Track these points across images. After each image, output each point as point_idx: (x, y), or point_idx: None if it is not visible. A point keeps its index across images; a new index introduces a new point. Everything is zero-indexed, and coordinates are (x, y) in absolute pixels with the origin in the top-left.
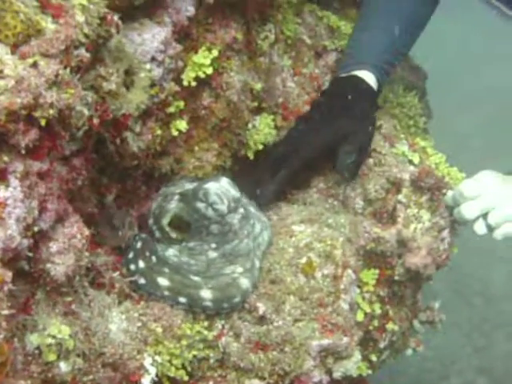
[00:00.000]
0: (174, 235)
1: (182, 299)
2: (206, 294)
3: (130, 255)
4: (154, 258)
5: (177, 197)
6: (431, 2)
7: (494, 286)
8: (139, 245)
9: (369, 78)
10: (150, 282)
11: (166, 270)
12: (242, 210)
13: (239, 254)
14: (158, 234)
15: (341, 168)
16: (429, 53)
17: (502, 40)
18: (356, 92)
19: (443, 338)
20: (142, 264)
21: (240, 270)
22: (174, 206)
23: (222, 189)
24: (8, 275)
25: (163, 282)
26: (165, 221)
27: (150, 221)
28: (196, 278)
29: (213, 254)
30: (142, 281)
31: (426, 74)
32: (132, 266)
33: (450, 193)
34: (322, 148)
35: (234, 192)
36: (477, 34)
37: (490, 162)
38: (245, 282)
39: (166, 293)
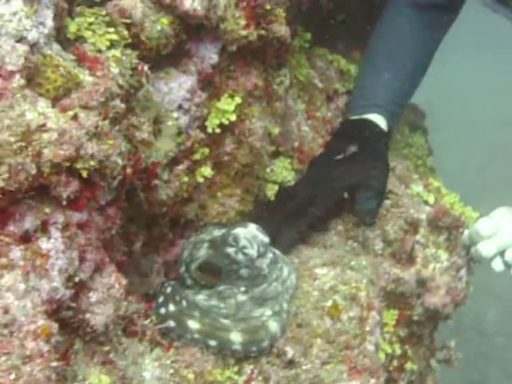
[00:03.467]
0: (203, 281)
1: (212, 342)
2: (236, 336)
3: (160, 300)
4: (184, 302)
5: (206, 244)
6: (434, 43)
7: (489, 322)
8: (169, 290)
9: (380, 120)
10: (180, 325)
11: (197, 313)
12: (270, 255)
13: (268, 297)
14: (188, 282)
15: (362, 214)
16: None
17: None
18: (369, 136)
19: (439, 374)
20: (172, 308)
21: (269, 313)
22: (203, 252)
23: (250, 234)
24: (54, 327)
25: (193, 325)
26: (194, 266)
27: (182, 269)
28: (225, 321)
29: (242, 298)
30: (171, 324)
31: (424, 113)
32: (162, 310)
33: (466, 232)
34: (340, 194)
35: (263, 237)
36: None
37: (486, 197)
38: (274, 326)
39: (196, 336)
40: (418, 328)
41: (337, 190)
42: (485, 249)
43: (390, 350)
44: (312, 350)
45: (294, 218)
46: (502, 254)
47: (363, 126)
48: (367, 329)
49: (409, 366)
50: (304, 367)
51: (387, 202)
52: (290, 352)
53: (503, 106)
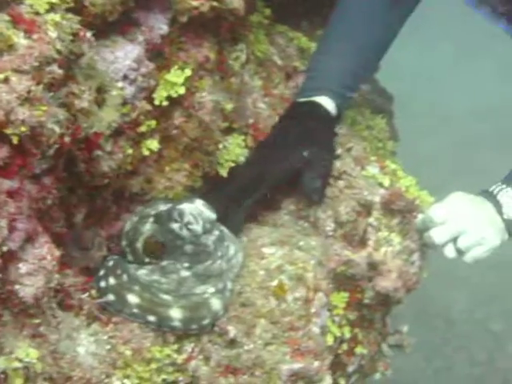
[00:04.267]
0: (147, 257)
1: (151, 318)
2: (176, 313)
3: (101, 273)
4: (125, 276)
5: (151, 219)
6: (395, 27)
7: (455, 309)
8: (111, 263)
9: (328, 104)
10: (120, 299)
11: (137, 287)
12: (217, 232)
13: (212, 274)
14: (130, 257)
15: (308, 192)
16: (391, 76)
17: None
18: (316, 119)
19: (404, 360)
20: (112, 281)
21: (212, 290)
22: (148, 227)
23: (196, 210)
24: None
25: (133, 299)
26: (139, 244)
27: (124, 242)
28: (166, 297)
29: (185, 273)
30: (111, 297)
31: (393, 97)
32: (102, 284)
33: (420, 216)
34: (286, 174)
35: (209, 213)
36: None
37: (455, 181)
38: (216, 303)
39: (135, 310)
40: (368, 312)
41: (282, 170)
42: (437, 235)
43: (339, 334)
44: (255, 330)
45: (241, 198)
46: (454, 240)
47: (310, 109)
48: (313, 310)
49: (359, 349)
50: (246, 347)
51: (341, 183)
52: (233, 331)
53: (479, 95)
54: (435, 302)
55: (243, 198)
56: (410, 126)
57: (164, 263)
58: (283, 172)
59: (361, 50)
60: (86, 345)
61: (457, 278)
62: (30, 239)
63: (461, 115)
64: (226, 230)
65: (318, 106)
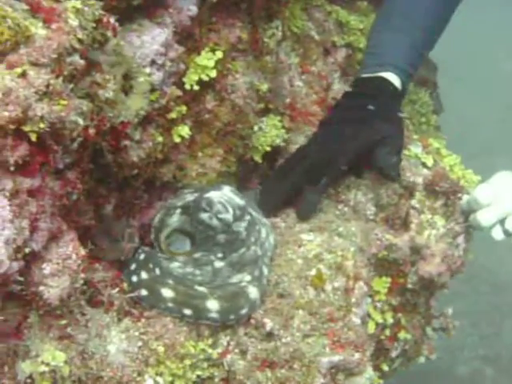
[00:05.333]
0: (173, 249)
1: (187, 311)
2: (213, 304)
3: (132, 267)
4: (157, 270)
5: (179, 210)
6: (454, 3)
7: (503, 275)
8: (142, 256)
9: (394, 80)
10: (153, 294)
11: (170, 281)
12: (248, 217)
13: (247, 261)
14: (159, 250)
15: (385, 169)
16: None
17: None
18: (385, 94)
19: (434, 341)
20: (144, 275)
21: (248, 278)
22: (175, 219)
23: (225, 197)
24: None
25: (167, 293)
26: (163, 236)
27: (152, 236)
28: (201, 289)
29: (219, 264)
30: (144, 292)
31: (436, 67)
32: (134, 278)
33: (465, 198)
34: (359, 151)
35: (238, 199)
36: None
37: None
38: (253, 292)
39: (170, 305)
40: (412, 296)
41: (353, 149)
42: (484, 217)
43: (381, 320)
44: (293, 321)
45: (315, 177)
46: (502, 222)
47: (378, 84)
48: (353, 300)
49: (402, 334)
50: (284, 340)
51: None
52: (269, 324)
53: None
54: (483, 268)
55: (318, 178)
56: (454, 92)
57: (197, 255)
58: (357, 149)
59: (424, 28)
60: (116, 342)
61: (505, 243)
62: (53, 238)
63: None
64: (255, 214)
65: (386, 81)
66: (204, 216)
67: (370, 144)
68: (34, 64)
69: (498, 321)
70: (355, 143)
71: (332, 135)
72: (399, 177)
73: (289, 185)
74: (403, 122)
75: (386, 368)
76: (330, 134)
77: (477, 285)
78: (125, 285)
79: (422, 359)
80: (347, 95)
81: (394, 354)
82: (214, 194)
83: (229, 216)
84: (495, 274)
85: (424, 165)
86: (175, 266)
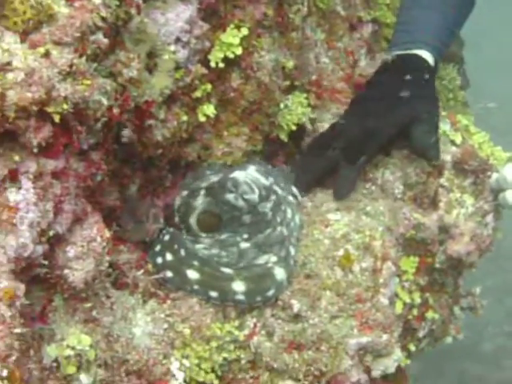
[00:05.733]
0: (202, 234)
1: (213, 293)
2: (239, 286)
3: (157, 248)
4: (182, 251)
5: (203, 191)
6: None
7: None
8: (167, 238)
9: (427, 57)
10: (179, 276)
11: (196, 262)
12: (273, 197)
13: (273, 242)
14: (185, 232)
15: (424, 148)
16: None
17: None
18: (420, 72)
19: (461, 321)
20: (169, 257)
21: (274, 259)
22: (200, 202)
23: (250, 177)
24: (20, 288)
25: (193, 275)
26: (192, 219)
27: (176, 219)
28: (227, 270)
29: (245, 245)
30: (169, 274)
31: (463, 42)
32: (159, 259)
33: (494, 176)
34: (397, 129)
35: (264, 179)
36: None
37: None
38: (280, 272)
39: (196, 287)
40: (439, 276)
41: (391, 126)
42: None
43: (408, 300)
44: (320, 303)
45: (352, 155)
46: None
47: (412, 61)
48: (381, 281)
49: (430, 314)
50: (311, 321)
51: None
52: (297, 305)
53: None
54: (508, 244)
55: (355, 155)
56: (481, 68)
57: (223, 236)
58: (395, 126)
59: (454, 5)
60: (142, 325)
61: None
62: (78, 220)
63: None
64: (281, 193)
65: (420, 58)
66: (230, 197)
67: (407, 121)
68: (57, 43)
69: None
70: (393, 120)
71: (368, 112)
72: (439, 156)
73: (325, 162)
74: (438, 100)
75: (413, 348)
76: (365, 111)
77: (503, 262)
78: (150, 266)
79: (449, 339)
80: (380, 72)
81: (421, 334)
82: (239, 174)
83: (255, 196)
84: None
85: (453, 142)
86: (200, 247)
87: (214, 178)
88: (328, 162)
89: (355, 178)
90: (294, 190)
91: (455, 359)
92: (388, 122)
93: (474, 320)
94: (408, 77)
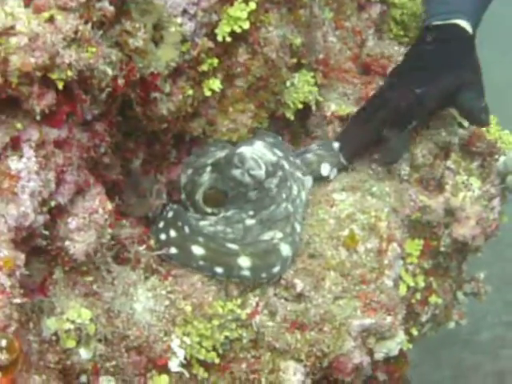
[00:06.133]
0: (209, 210)
1: (219, 269)
2: (244, 261)
3: (161, 225)
4: (186, 229)
5: (209, 168)
6: None
7: None
8: (171, 214)
9: (467, 26)
10: (184, 252)
11: (201, 238)
12: (280, 173)
13: (277, 219)
14: (192, 210)
15: (474, 113)
16: None
17: None
18: (462, 41)
19: (464, 306)
20: (173, 233)
21: (280, 235)
22: (206, 178)
23: (257, 153)
24: (21, 258)
25: (198, 250)
26: (198, 196)
27: (182, 196)
28: (233, 246)
29: (250, 222)
30: (174, 251)
31: None
32: (162, 236)
33: (501, 159)
34: (444, 96)
35: (271, 155)
36: None
37: None
38: (285, 249)
39: (201, 263)
40: (444, 260)
41: (440, 92)
42: None
43: (412, 283)
44: (324, 283)
45: (401, 122)
46: None
47: (453, 31)
48: (386, 262)
49: (433, 299)
50: (314, 302)
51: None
52: (300, 285)
53: None
54: (508, 232)
55: (404, 123)
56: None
57: (228, 213)
58: (441, 94)
59: None
60: (143, 301)
61: None
62: (80, 191)
63: None
64: (288, 168)
65: (460, 27)
66: (236, 172)
67: (453, 89)
68: (62, 8)
69: None
70: (440, 87)
71: (413, 81)
72: (489, 120)
73: (372, 131)
74: (480, 67)
75: (415, 332)
76: (410, 80)
77: (502, 250)
78: (152, 242)
79: (451, 324)
80: (421, 42)
81: (424, 318)
82: (245, 150)
83: (261, 172)
84: None
85: (460, 124)
86: (205, 224)
87: (220, 154)
88: (375, 131)
89: (404, 144)
90: (341, 158)
91: (453, 348)
92: (435, 89)
93: (472, 309)
94: (449, 46)
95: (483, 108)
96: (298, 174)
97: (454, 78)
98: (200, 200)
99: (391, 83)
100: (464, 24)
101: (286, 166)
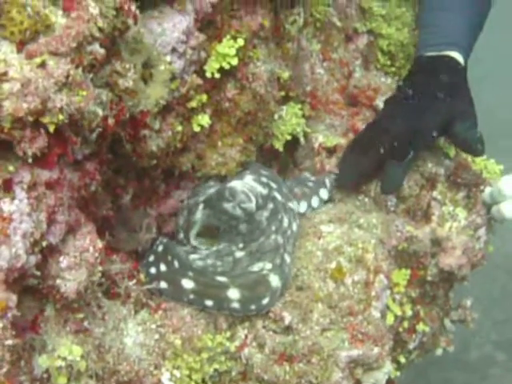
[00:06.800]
0: (205, 246)
1: (209, 302)
2: (234, 293)
3: (151, 258)
4: (176, 263)
5: (201, 205)
6: None
7: None
8: (161, 248)
9: (459, 58)
10: (174, 286)
11: (190, 273)
12: (270, 206)
13: (266, 250)
14: (189, 248)
15: (469, 143)
16: None
17: None
18: (455, 72)
19: (452, 334)
20: (163, 267)
21: (269, 266)
22: (199, 216)
23: (247, 186)
24: (12, 299)
25: (188, 284)
26: (192, 234)
27: (180, 235)
28: (222, 279)
29: (240, 254)
30: (164, 285)
31: None
32: (152, 270)
33: (487, 190)
34: (440, 127)
35: (261, 188)
36: None
37: None
38: (275, 280)
39: (192, 296)
40: (431, 288)
41: (438, 123)
42: (508, 209)
43: (399, 312)
44: (312, 315)
45: (398, 153)
46: None
47: (445, 62)
48: (373, 294)
49: (421, 327)
50: (302, 334)
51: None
52: (288, 317)
53: None
54: (495, 253)
55: (403, 152)
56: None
57: (219, 247)
58: (437, 125)
59: (476, 7)
60: (133, 335)
61: None
62: (71, 231)
63: None
64: (280, 199)
65: (453, 59)
66: (227, 206)
67: (448, 119)
68: (54, 54)
69: (510, 307)
70: (438, 117)
71: (409, 111)
72: (484, 150)
73: (371, 160)
74: (472, 99)
75: (403, 360)
76: (408, 109)
77: (490, 271)
78: (142, 276)
79: (439, 351)
80: (415, 73)
81: (411, 346)
82: (236, 184)
83: (252, 205)
84: (510, 260)
85: (446, 155)
86: (195, 257)
87: (211, 190)
88: (374, 160)
89: (403, 174)
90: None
91: (442, 368)
92: (431, 120)
93: (461, 329)
94: (443, 77)
95: (478, 138)
96: (291, 204)
97: (448, 110)
98: (193, 238)
99: (388, 113)
100: (456, 55)
101: (279, 197)
